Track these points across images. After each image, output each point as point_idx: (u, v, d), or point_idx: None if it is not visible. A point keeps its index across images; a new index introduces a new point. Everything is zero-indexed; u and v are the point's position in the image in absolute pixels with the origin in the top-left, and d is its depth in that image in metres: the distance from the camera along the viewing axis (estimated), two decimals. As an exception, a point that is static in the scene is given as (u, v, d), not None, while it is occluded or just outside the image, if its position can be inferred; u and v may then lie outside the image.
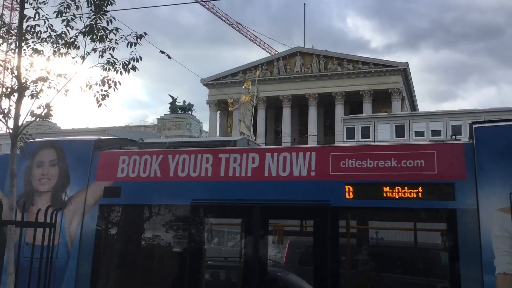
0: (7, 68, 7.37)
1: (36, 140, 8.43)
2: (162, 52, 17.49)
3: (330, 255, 6.62)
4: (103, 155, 7.97)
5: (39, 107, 7.22)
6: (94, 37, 7.27)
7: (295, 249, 8.67)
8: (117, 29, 7.36)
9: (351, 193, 6.67)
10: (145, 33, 7.51)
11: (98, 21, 7.29)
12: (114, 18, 7.48)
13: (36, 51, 7.30)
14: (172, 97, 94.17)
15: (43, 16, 7.33)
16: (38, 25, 7.29)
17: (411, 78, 74.78)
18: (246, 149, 7.54)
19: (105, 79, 7.44)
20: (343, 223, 6.88)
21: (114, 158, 7.86)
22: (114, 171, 7.70)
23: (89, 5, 7.35)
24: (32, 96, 7.18)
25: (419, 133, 54.54)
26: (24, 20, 7.29)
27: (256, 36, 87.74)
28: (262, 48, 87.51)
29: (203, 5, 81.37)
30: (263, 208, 6.96)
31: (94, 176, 7.79)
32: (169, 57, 18.21)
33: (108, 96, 7.51)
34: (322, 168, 6.90)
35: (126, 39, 7.37)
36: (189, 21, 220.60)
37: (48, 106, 7.23)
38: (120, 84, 7.56)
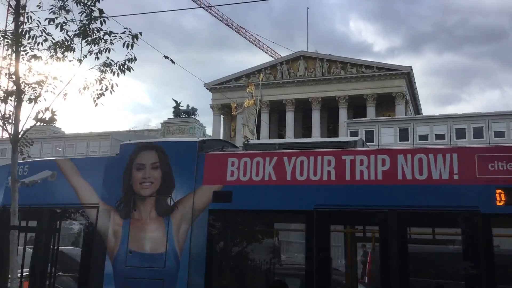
0: (5, 73, 7.39)
1: (133, 141, 8.14)
2: (166, 57, 17.57)
3: (483, 266, 5.97)
4: (210, 157, 7.39)
5: (39, 112, 7.26)
6: (89, 39, 7.32)
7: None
8: (110, 32, 7.41)
9: (503, 199, 6.02)
10: (140, 33, 7.53)
11: (92, 22, 7.34)
12: (107, 18, 7.51)
13: (34, 57, 7.34)
14: (176, 101, 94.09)
15: (34, 19, 7.40)
16: (32, 29, 7.34)
17: (414, 82, 74.67)
18: (375, 151, 6.98)
19: (101, 78, 7.51)
20: (495, 232, 6.21)
21: (222, 160, 7.29)
22: (223, 174, 7.14)
23: (78, 5, 7.41)
24: (30, 100, 7.21)
25: (423, 137, 54.41)
26: (20, 25, 7.35)
27: (259, 40, 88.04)
28: (265, 52, 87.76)
29: (206, 10, 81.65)
30: (400, 215, 6.33)
31: (201, 179, 7.22)
32: (173, 62, 18.30)
33: (103, 95, 7.57)
34: (467, 171, 6.27)
35: (121, 37, 7.40)
36: (192, 26, 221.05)
37: (52, 111, 7.28)
38: (117, 85, 7.63)
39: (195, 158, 7.33)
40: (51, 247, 7.61)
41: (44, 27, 7.38)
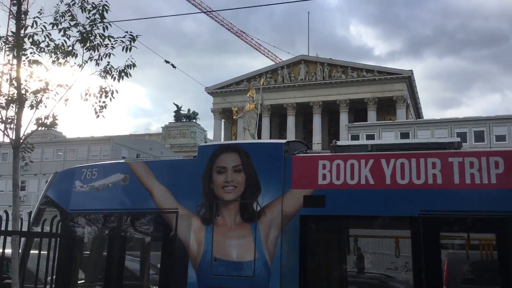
0: (7, 79, 7.43)
1: (212, 143, 7.66)
2: (167, 61, 17.58)
3: None
4: (298, 160, 6.92)
5: (40, 118, 7.29)
6: (88, 45, 7.38)
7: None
8: (110, 37, 7.48)
9: None
10: (137, 36, 7.60)
11: (95, 28, 7.41)
12: (110, 24, 7.58)
13: (35, 62, 7.38)
14: (177, 106, 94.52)
15: (40, 24, 7.45)
16: (36, 34, 7.38)
17: (415, 86, 74.74)
18: (486, 152, 6.41)
19: (102, 90, 7.57)
20: None
21: (312, 163, 6.81)
22: (314, 178, 6.67)
23: (83, 11, 7.48)
24: (32, 107, 7.24)
25: (424, 141, 54.33)
26: (22, 31, 7.40)
27: (260, 44, 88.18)
28: (266, 56, 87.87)
29: (207, 14, 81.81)
30: None
31: (289, 183, 6.74)
32: (174, 67, 18.29)
33: (106, 107, 7.63)
34: None
35: (122, 41, 7.46)
36: (193, 30, 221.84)
37: (53, 115, 7.31)
38: (117, 92, 7.68)
39: (281, 160, 6.86)
40: (124, 254, 7.37)
41: (48, 33, 7.43)
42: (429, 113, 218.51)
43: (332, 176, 6.57)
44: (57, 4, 7.58)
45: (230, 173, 6.92)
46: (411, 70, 70.70)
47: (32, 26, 7.43)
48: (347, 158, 6.65)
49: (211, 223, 6.77)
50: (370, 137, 56.36)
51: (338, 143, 7.41)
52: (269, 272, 6.48)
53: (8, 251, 6.57)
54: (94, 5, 7.48)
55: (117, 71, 7.54)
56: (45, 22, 7.47)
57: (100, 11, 7.44)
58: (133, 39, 7.50)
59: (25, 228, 6.29)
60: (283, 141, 7.17)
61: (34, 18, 7.45)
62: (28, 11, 7.56)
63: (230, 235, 6.71)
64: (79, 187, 7.55)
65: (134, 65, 7.57)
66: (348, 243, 7.35)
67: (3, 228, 6.23)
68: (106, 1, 7.59)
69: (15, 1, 7.54)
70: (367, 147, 7.10)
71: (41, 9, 7.52)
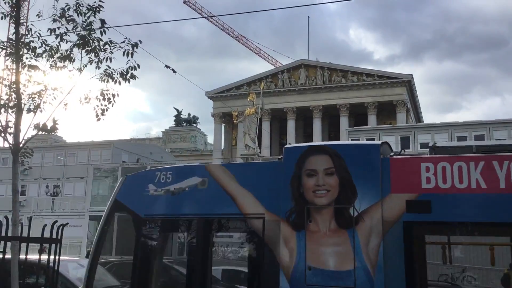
0: (6, 85, 7.44)
1: (299, 145, 7.37)
2: (167, 66, 17.62)
3: None
4: (396, 162, 6.50)
5: (39, 123, 7.29)
6: (88, 49, 7.39)
7: None
8: (110, 42, 7.48)
9: None
10: (139, 41, 7.59)
11: (93, 32, 7.42)
12: (107, 28, 7.58)
13: (31, 67, 7.39)
14: (177, 110, 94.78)
15: (35, 31, 7.47)
16: (33, 41, 7.40)
17: (415, 90, 74.85)
18: None
19: (104, 93, 7.57)
20: None
21: (413, 165, 6.38)
22: (417, 181, 6.23)
23: (79, 15, 7.50)
24: (29, 111, 7.25)
25: (425, 145, 54.26)
26: (20, 37, 7.41)
27: (260, 49, 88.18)
28: (266, 60, 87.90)
29: (208, 19, 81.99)
30: None
31: (388, 187, 6.32)
32: (174, 72, 18.33)
33: (107, 110, 7.62)
34: None
35: (120, 47, 7.47)
36: (193, 34, 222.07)
37: (53, 120, 7.31)
38: (118, 96, 7.67)
39: (378, 162, 6.45)
40: (207, 261, 7.00)
41: (44, 39, 7.44)
42: (429, 117, 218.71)
43: (437, 180, 6.16)
44: (54, 5, 7.59)
45: (322, 176, 6.52)
46: (411, 74, 70.81)
47: (27, 35, 7.45)
48: (453, 160, 6.22)
49: (303, 229, 6.37)
50: (370, 141, 56.32)
51: (439, 144, 6.93)
52: (372, 282, 6.05)
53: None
54: (89, 6, 7.49)
55: (118, 74, 7.54)
56: (40, 30, 7.49)
57: (94, 12, 7.46)
58: (135, 45, 7.49)
59: (25, 234, 6.27)
60: (378, 142, 6.79)
61: (27, 25, 7.48)
62: (27, 16, 7.58)
63: (325, 242, 6.31)
64: (152, 191, 7.24)
65: (137, 66, 7.57)
66: (461, 252, 6.98)
67: (3, 233, 6.24)
68: (100, 4, 7.62)
69: (14, 4, 7.55)
70: (472, 149, 6.68)
71: (39, 12, 7.54)
